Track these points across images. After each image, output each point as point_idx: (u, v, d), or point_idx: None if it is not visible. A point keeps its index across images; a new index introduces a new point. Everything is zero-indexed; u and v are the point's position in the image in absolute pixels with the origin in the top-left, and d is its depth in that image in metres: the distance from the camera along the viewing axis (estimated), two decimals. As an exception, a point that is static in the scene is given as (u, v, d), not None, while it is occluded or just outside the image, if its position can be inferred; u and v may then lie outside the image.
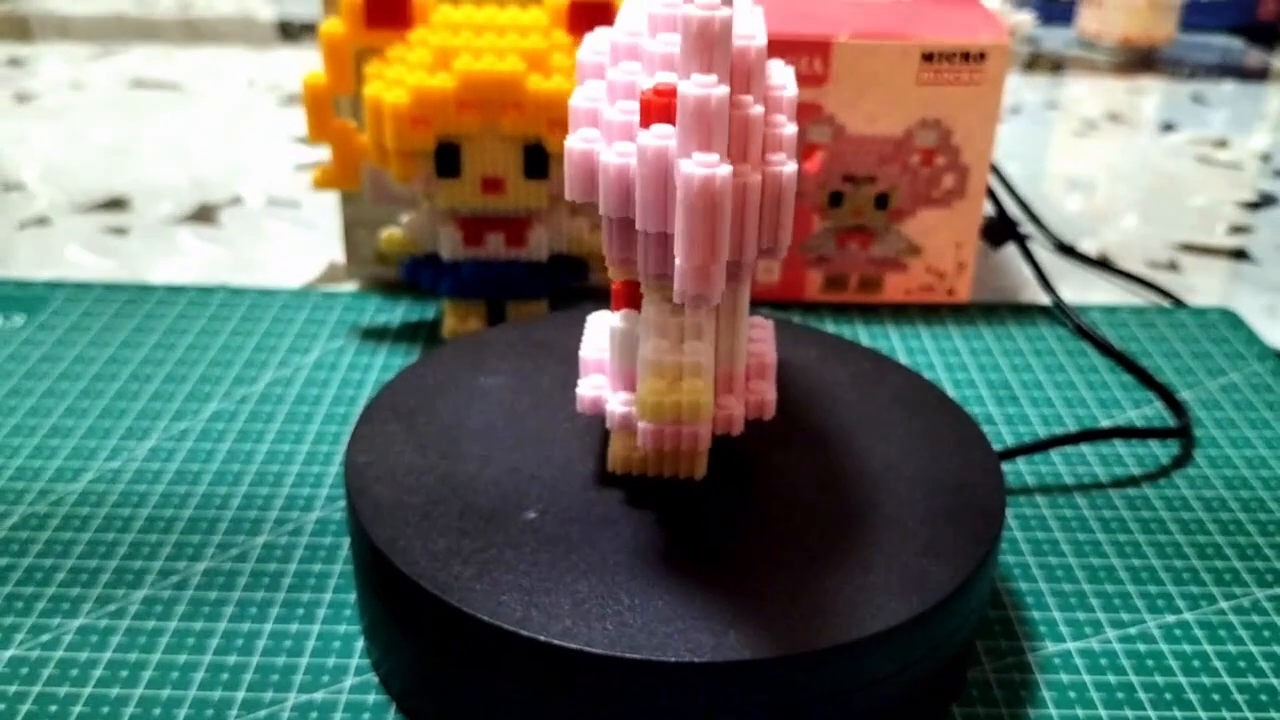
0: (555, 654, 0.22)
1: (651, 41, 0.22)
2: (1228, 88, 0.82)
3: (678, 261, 0.20)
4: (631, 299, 0.25)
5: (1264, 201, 0.60)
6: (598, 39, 0.24)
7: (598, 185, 0.21)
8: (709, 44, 0.19)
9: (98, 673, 0.26)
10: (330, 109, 0.37)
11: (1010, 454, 0.34)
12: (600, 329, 0.27)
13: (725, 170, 0.19)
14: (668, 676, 0.21)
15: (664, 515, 0.26)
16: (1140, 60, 0.88)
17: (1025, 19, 0.94)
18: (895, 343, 0.42)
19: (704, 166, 0.19)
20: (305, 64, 0.79)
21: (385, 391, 0.30)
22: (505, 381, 0.30)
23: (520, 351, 0.32)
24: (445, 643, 0.23)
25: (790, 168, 0.21)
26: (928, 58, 0.40)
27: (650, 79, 0.21)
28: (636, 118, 0.21)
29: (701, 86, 0.19)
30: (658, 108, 0.20)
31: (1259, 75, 0.86)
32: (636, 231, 0.22)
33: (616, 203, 0.21)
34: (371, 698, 0.26)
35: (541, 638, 0.22)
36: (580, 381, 0.26)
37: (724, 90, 0.19)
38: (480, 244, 0.38)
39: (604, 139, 0.22)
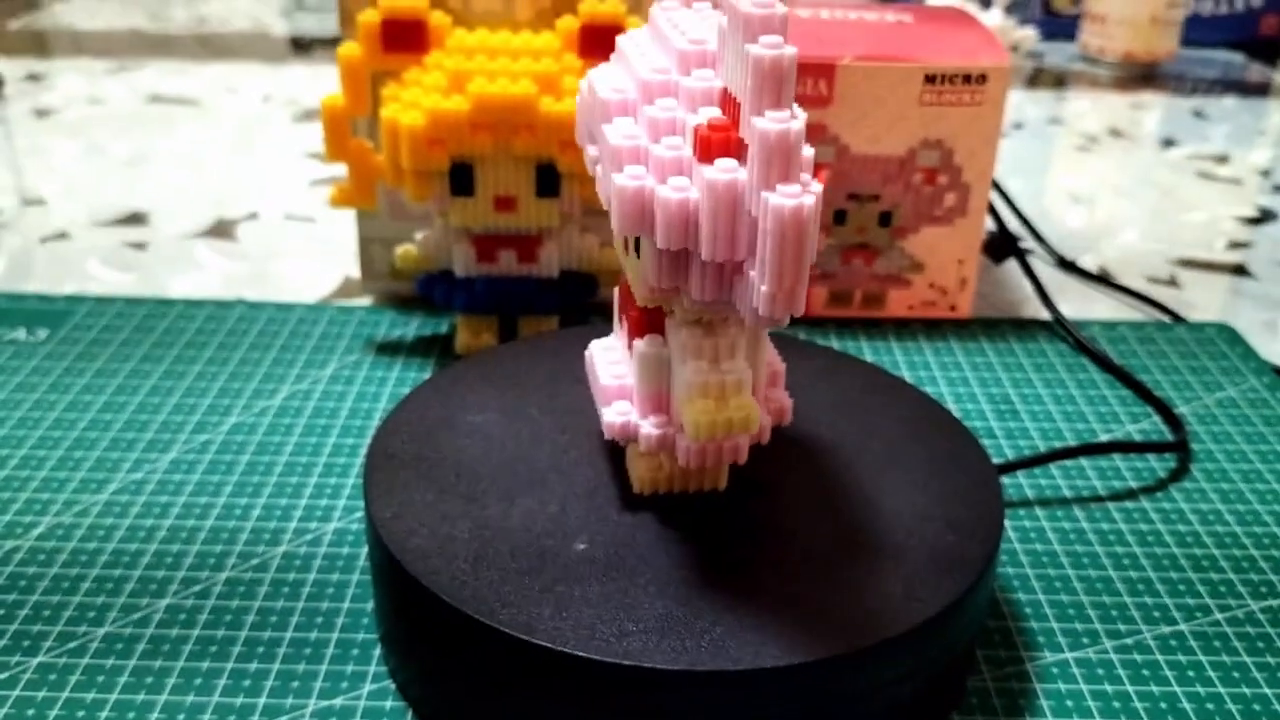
0: (582, 666, 0.22)
1: (688, 79, 0.23)
2: (1229, 103, 0.83)
3: (764, 289, 0.21)
4: (654, 325, 0.26)
5: (1264, 217, 0.60)
6: (611, 77, 0.25)
7: (651, 220, 0.22)
8: (779, 80, 0.20)
9: (123, 679, 0.27)
10: (348, 130, 0.38)
11: (1010, 467, 0.34)
12: (612, 356, 0.28)
13: (809, 199, 0.20)
14: (674, 685, 0.22)
15: (688, 532, 0.26)
16: (1142, 75, 0.89)
17: (1028, 35, 0.95)
18: (898, 357, 0.43)
19: (790, 197, 0.20)
20: (319, 79, 0.81)
21: (390, 427, 0.30)
22: (498, 417, 0.30)
23: (510, 377, 0.32)
24: (468, 655, 0.24)
25: (816, 189, 0.22)
26: (930, 79, 0.41)
27: (696, 115, 0.22)
28: (685, 152, 0.22)
29: (778, 122, 0.20)
30: (717, 143, 0.21)
31: (1260, 90, 0.86)
32: (688, 261, 0.23)
33: (677, 236, 0.22)
34: (389, 704, 0.26)
35: (570, 651, 0.22)
36: (605, 410, 0.27)
37: (800, 124, 0.21)
38: (493, 261, 0.39)
39: (654, 175, 0.22)
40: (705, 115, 0.22)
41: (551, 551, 0.25)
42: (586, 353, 0.29)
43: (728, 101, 0.22)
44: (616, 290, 0.28)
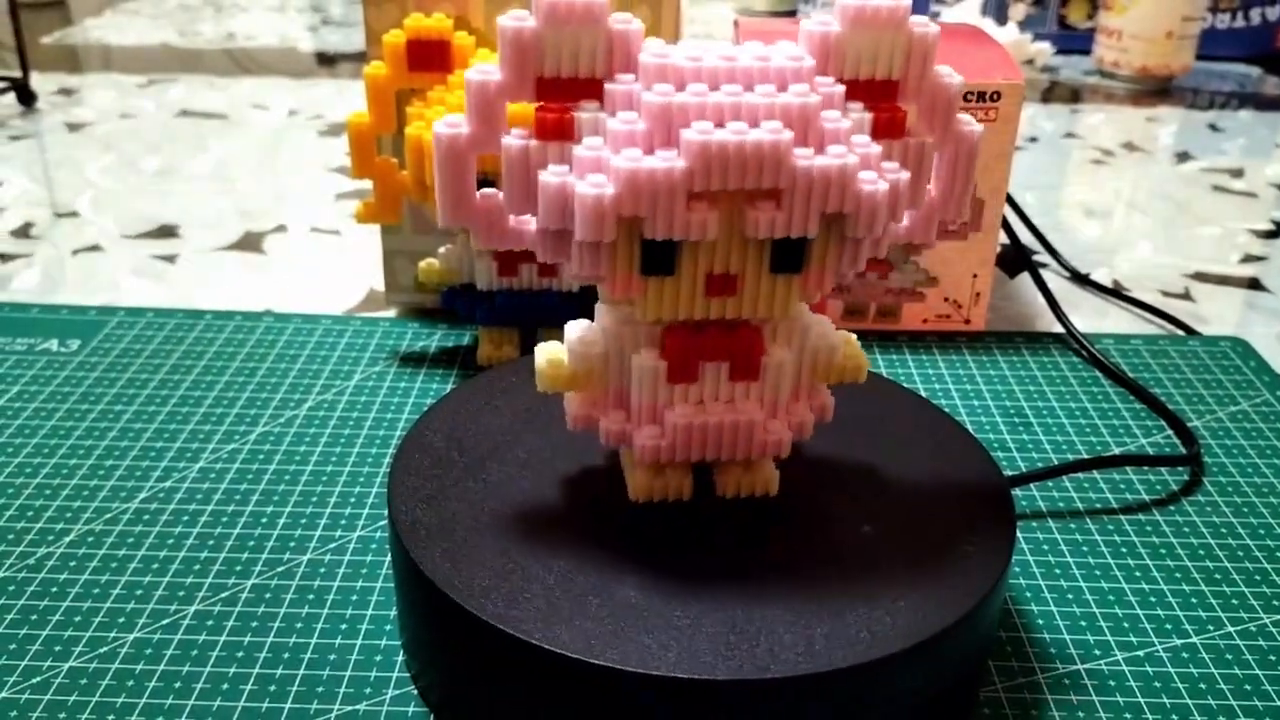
0: (598, 674, 0.23)
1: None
2: (1244, 116, 0.83)
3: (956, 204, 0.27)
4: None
5: (1278, 230, 0.60)
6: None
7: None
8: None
9: (152, 684, 0.27)
10: (373, 147, 0.39)
11: (1023, 479, 0.35)
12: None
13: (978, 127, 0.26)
14: (692, 693, 0.23)
15: (704, 545, 0.27)
16: (1157, 90, 0.89)
17: (1043, 49, 0.95)
18: (912, 370, 0.43)
19: (971, 126, 0.26)
20: (344, 94, 0.82)
21: (413, 436, 0.31)
22: (522, 428, 0.31)
23: (532, 388, 0.33)
24: (489, 662, 0.25)
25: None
26: (944, 96, 0.41)
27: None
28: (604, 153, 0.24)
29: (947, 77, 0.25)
30: (552, 124, 0.24)
31: (1275, 104, 0.86)
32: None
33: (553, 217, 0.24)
34: (411, 709, 0.27)
35: (589, 659, 0.23)
36: (601, 419, 0.27)
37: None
38: (514, 274, 0.40)
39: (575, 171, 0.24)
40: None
41: (576, 561, 0.26)
42: None
43: (856, 88, 0.25)
44: None
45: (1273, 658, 0.29)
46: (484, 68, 0.24)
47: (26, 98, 0.76)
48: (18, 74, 0.80)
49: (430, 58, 0.38)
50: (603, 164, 0.23)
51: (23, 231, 0.56)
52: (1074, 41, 0.98)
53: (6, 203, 0.60)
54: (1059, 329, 0.47)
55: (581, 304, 0.41)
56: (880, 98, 0.25)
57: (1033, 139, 0.76)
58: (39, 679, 0.27)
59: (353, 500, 0.35)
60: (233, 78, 0.86)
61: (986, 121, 0.42)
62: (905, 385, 0.42)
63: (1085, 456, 0.38)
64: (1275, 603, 0.31)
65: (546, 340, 0.41)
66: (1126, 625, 0.30)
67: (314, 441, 0.38)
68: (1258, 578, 0.32)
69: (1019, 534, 0.34)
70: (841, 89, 0.24)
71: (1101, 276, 0.54)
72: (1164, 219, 0.62)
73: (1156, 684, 0.28)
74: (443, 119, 0.24)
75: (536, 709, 0.24)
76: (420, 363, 0.43)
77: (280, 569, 0.31)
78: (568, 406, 0.27)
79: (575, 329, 0.26)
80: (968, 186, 0.26)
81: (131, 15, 1.07)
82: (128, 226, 0.57)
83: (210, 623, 0.29)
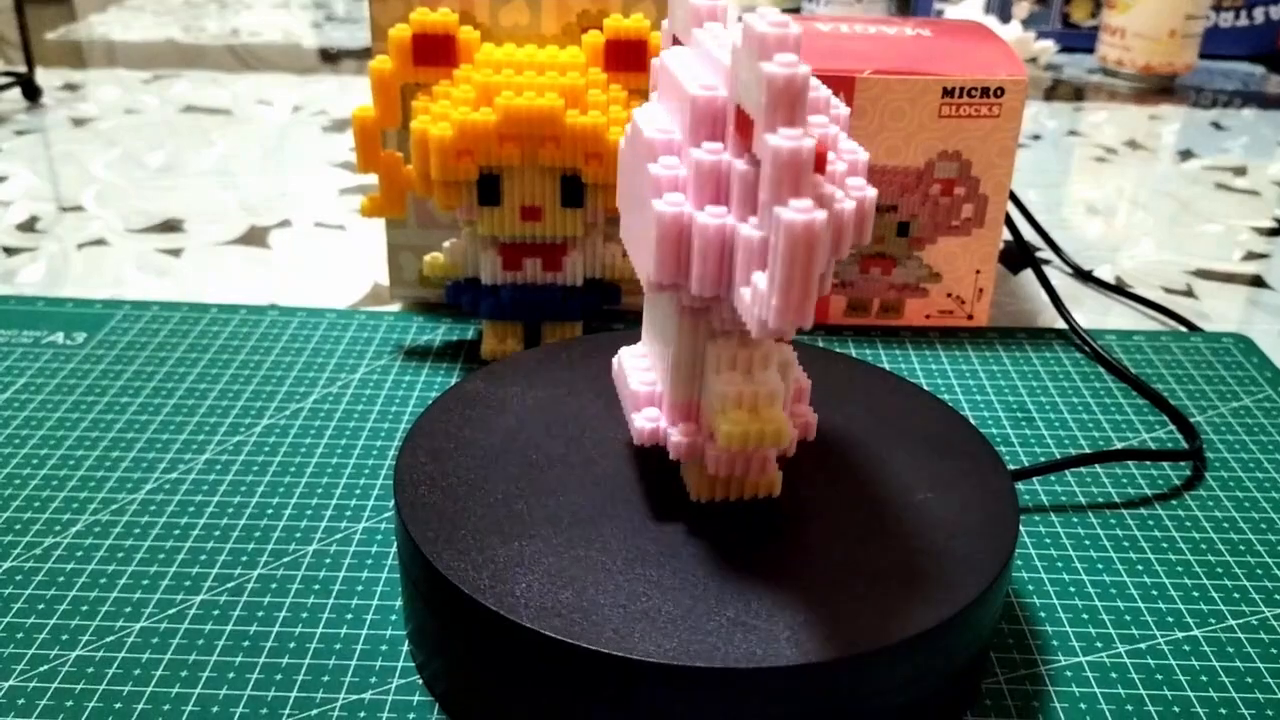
0: (605, 662, 0.23)
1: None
2: (1248, 114, 0.83)
3: (774, 302, 0.21)
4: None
5: (1282, 229, 0.61)
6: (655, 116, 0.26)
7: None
8: (792, 99, 0.20)
9: (159, 672, 0.28)
10: (379, 142, 0.39)
11: (1026, 474, 0.35)
12: (642, 364, 0.29)
13: (820, 215, 0.21)
14: (699, 682, 0.23)
15: (710, 537, 0.27)
16: (1160, 88, 0.89)
17: (1046, 47, 0.95)
18: (915, 365, 0.43)
19: (802, 213, 0.20)
20: (348, 90, 0.82)
21: (419, 429, 0.31)
22: (526, 420, 0.31)
23: (536, 381, 0.33)
24: (494, 652, 0.25)
25: (871, 193, 0.23)
26: (948, 92, 0.42)
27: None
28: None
29: (790, 139, 0.21)
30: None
31: (1278, 103, 0.86)
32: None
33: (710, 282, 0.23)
34: (416, 699, 0.27)
35: (593, 647, 0.23)
36: (634, 415, 0.27)
37: (811, 143, 0.21)
38: (519, 269, 0.40)
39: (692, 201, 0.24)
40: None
41: (579, 552, 0.26)
42: (615, 359, 0.29)
43: (742, 119, 0.23)
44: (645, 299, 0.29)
45: (1274, 651, 0.29)
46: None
47: (32, 93, 0.76)
48: (23, 69, 0.80)
49: (435, 52, 0.38)
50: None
51: (28, 225, 0.56)
52: (1077, 39, 0.98)
53: (12, 197, 0.60)
54: (1062, 325, 0.47)
55: (586, 298, 0.41)
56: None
57: (1036, 136, 0.76)
58: (46, 667, 0.28)
59: (358, 492, 0.35)
60: (237, 74, 0.86)
61: (990, 118, 0.42)
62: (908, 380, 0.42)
63: (1088, 451, 0.38)
64: (1276, 596, 0.31)
65: (551, 337, 0.42)
66: (1128, 618, 0.30)
67: (319, 434, 0.38)
68: (1259, 571, 0.32)
69: (1022, 527, 0.34)
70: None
71: (1104, 273, 0.54)
72: (1167, 217, 0.62)
73: (1158, 676, 0.28)
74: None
75: (540, 698, 0.24)
76: (425, 356, 0.43)
77: (286, 559, 0.32)
78: (633, 422, 0.27)
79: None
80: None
81: (136, 11, 1.07)
82: (132, 221, 0.57)
83: (216, 612, 0.30)
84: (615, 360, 0.29)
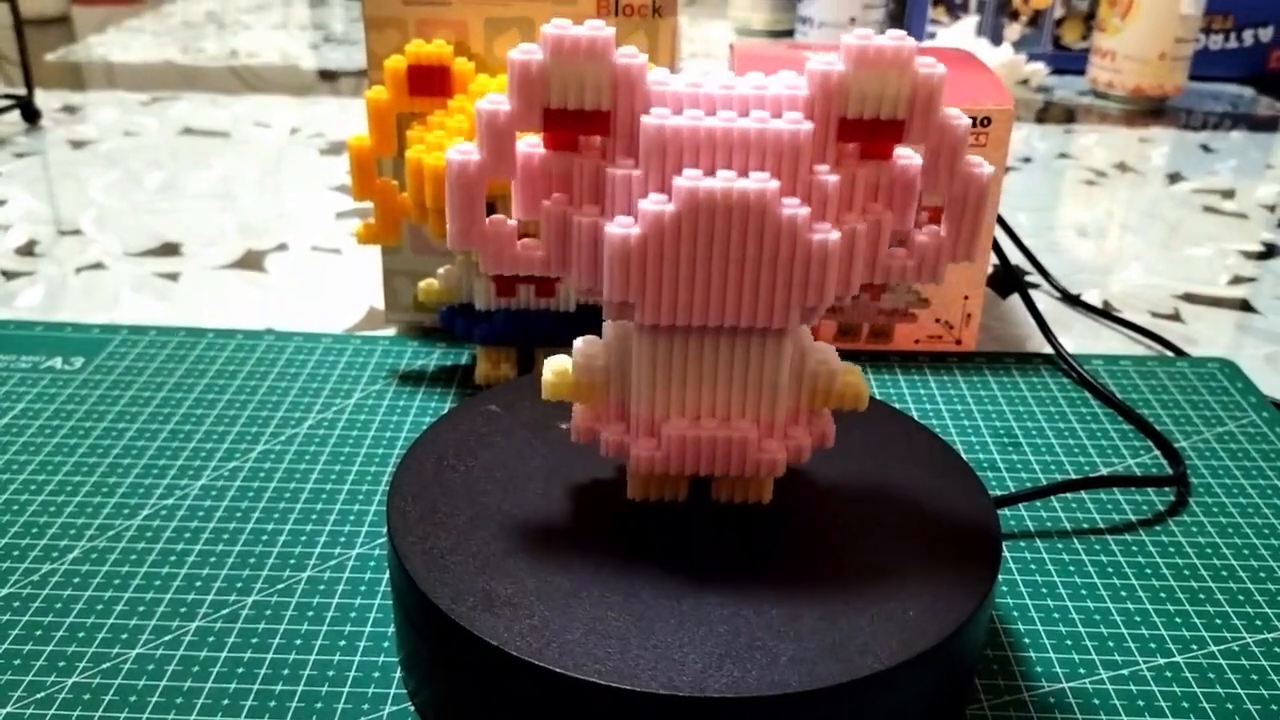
0: (593, 692, 0.24)
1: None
2: (1237, 137, 0.84)
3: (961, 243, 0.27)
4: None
5: (1269, 252, 0.61)
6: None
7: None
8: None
9: (154, 699, 0.28)
10: (374, 170, 0.39)
11: (1011, 500, 0.35)
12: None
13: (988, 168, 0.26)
14: (681, 711, 0.23)
15: (693, 563, 0.28)
16: (1151, 110, 0.90)
17: (1037, 69, 0.96)
18: (904, 390, 0.44)
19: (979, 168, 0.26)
20: (346, 112, 0.83)
21: (412, 454, 0.31)
22: (520, 446, 0.32)
23: (530, 407, 0.34)
24: (485, 679, 0.25)
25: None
26: (935, 121, 0.42)
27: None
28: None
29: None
30: None
31: (1269, 125, 0.87)
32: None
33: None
34: (408, 724, 0.27)
35: (584, 677, 0.23)
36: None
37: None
38: (512, 294, 0.40)
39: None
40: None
41: (573, 578, 0.27)
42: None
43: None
44: None
45: (1255, 677, 0.30)
46: (495, 98, 0.25)
47: (30, 115, 0.77)
48: (22, 91, 0.81)
49: (430, 83, 0.38)
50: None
51: (27, 249, 0.57)
52: (1069, 62, 0.99)
53: (11, 220, 0.60)
54: (1049, 350, 0.48)
55: (578, 324, 0.42)
56: (884, 138, 0.25)
57: (1026, 159, 0.77)
58: (43, 694, 0.28)
59: (352, 518, 0.35)
60: (235, 95, 0.87)
61: (977, 146, 0.43)
62: (897, 405, 0.43)
63: (1073, 477, 0.38)
64: (1259, 622, 0.32)
65: (544, 360, 0.42)
66: (1111, 644, 0.31)
67: (314, 459, 0.38)
68: (1241, 597, 0.33)
69: (1007, 553, 0.34)
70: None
71: (1093, 297, 0.54)
72: (1155, 240, 0.62)
73: (1140, 703, 0.29)
74: (455, 147, 0.25)
75: (531, 726, 0.25)
76: (419, 381, 0.43)
77: (280, 586, 0.32)
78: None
79: (581, 342, 0.28)
80: (977, 228, 0.26)
81: (135, 32, 1.08)
82: (130, 244, 0.58)
83: (211, 639, 0.30)
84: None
